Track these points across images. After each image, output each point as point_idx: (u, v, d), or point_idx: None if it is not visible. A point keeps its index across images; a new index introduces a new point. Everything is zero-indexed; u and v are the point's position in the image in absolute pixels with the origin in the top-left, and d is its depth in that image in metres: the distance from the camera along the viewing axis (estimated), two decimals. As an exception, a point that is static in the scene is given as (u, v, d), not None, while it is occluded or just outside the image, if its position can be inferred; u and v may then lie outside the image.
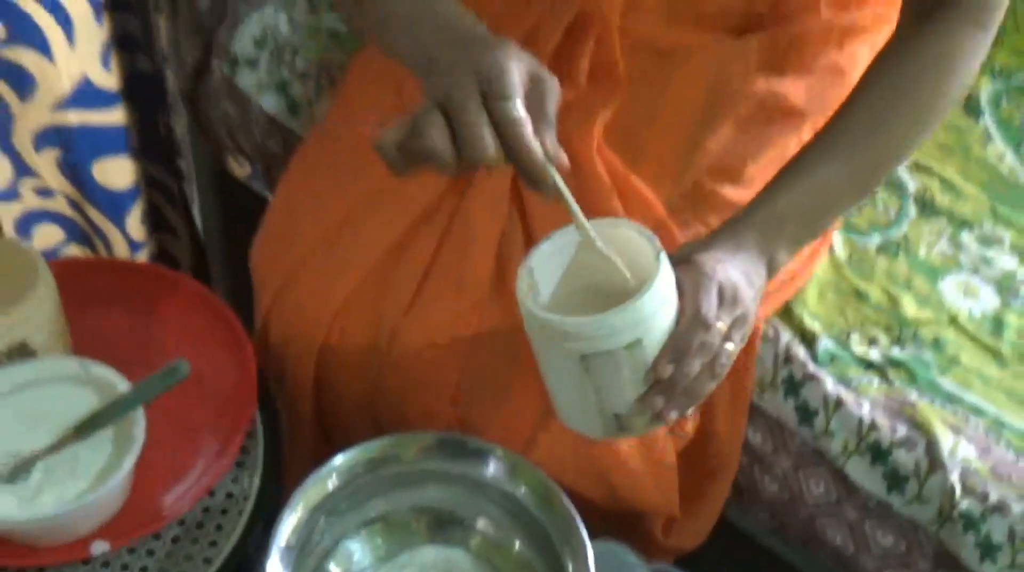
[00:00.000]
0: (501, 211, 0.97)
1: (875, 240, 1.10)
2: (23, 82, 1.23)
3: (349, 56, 1.21)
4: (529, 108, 0.72)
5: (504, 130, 0.70)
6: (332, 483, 0.86)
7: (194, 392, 0.94)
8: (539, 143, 0.70)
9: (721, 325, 0.77)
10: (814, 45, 1.04)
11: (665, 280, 0.74)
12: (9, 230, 1.34)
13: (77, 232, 1.39)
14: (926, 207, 1.14)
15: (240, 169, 1.31)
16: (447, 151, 0.70)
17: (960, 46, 0.90)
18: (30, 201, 1.34)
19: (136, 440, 0.86)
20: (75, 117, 1.24)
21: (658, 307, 0.74)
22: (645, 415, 0.77)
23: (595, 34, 1.01)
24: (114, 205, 1.33)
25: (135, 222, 1.35)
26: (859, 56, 1.07)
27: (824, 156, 0.89)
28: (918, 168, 1.18)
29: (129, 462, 0.85)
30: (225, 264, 1.43)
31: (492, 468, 0.88)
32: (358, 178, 0.99)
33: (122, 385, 0.90)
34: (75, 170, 1.30)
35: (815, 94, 1.03)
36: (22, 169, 1.30)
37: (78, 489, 0.85)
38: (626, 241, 0.77)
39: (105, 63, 1.22)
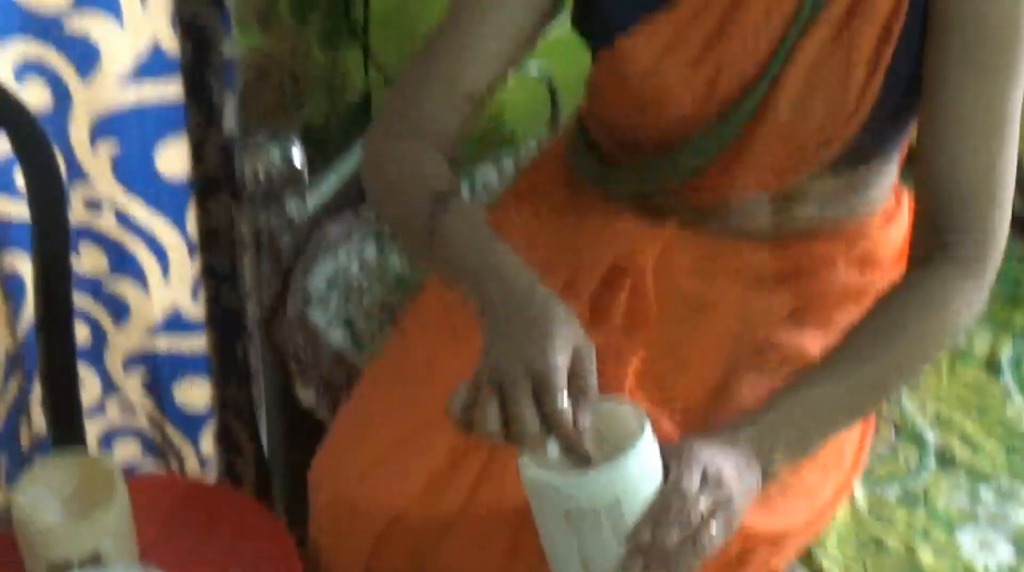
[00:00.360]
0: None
1: (895, 491, 1.11)
2: (119, 309, 1.31)
3: (410, 298, 1.27)
4: (571, 380, 0.79)
5: (550, 417, 0.77)
6: None
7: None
8: (578, 422, 0.78)
9: (703, 501, 0.79)
10: (833, 302, 1.09)
11: (647, 449, 0.79)
12: (92, 442, 1.39)
13: (153, 447, 1.43)
14: (946, 461, 1.15)
15: (305, 396, 1.36)
16: (498, 431, 0.78)
17: (951, 293, 0.95)
18: (114, 417, 1.40)
19: None
20: (163, 343, 1.31)
21: (638, 472, 0.78)
22: None
23: (629, 283, 1.07)
24: (190, 425, 1.37)
25: (208, 441, 1.39)
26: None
27: (821, 376, 0.94)
28: (939, 422, 1.20)
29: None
30: (285, 481, 1.46)
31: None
32: (409, 410, 1.03)
33: None
34: (158, 391, 1.36)
35: (829, 345, 1.04)
36: (109, 387, 1.37)
37: None
38: (619, 415, 0.82)
39: (195, 295, 1.29)
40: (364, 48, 1.57)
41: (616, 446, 0.79)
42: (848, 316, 1.08)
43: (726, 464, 0.83)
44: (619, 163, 1.13)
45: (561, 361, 0.79)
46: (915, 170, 1.01)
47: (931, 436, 1.19)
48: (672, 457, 0.82)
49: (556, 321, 0.83)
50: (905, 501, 1.11)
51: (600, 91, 1.08)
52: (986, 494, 1.13)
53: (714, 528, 0.80)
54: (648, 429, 0.79)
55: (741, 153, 1.01)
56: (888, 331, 0.95)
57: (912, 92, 0.97)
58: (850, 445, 1.07)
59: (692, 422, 1.01)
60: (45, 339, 1.06)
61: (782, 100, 0.97)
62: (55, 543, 0.96)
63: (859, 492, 1.11)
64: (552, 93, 1.67)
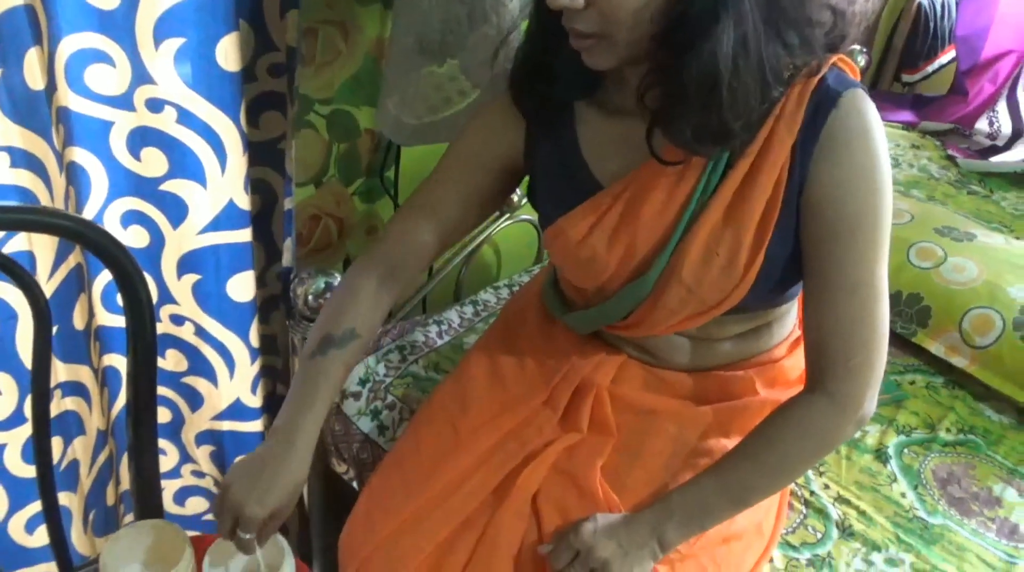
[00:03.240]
0: (523, 523, 0.98)
1: (805, 555, 1.09)
2: (195, 399, 1.30)
3: (424, 395, 1.27)
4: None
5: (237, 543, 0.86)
6: None
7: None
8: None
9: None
10: (753, 415, 1.05)
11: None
12: (168, 498, 1.38)
13: (217, 506, 1.42)
14: (845, 531, 1.13)
15: (340, 469, 1.34)
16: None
17: (819, 421, 0.92)
18: (187, 480, 1.38)
19: None
20: (227, 425, 1.31)
21: None
22: None
23: (592, 396, 1.06)
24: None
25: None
26: None
27: (710, 474, 0.94)
28: (840, 500, 1.18)
29: None
30: (323, 539, 1.43)
31: None
32: (417, 497, 1.01)
33: None
34: (222, 461, 1.35)
35: None
36: (185, 458, 1.36)
37: None
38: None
39: (253, 389, 1.29)
40: (394, 200, 1.57)
41: None
42: None
43: (608, 543, 0.90)
44: (575, 306, 1.12)
45: (257, 508, 0.84)
46: (802, 317, 0.96)
47: (834, 511, 1.17)
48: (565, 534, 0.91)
49: (285, 455, 0.88)
50: (813, 564, 1.09)
51: (551, 252, 1.06)
52: (878, 559, 1.11)
53: None
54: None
55: (656, 305, 0.99)
56: (765, 445, 0.94)
57: (792, 262, 0.93)
58: (768, 521, 1.05)
59: (640, 508, 0.97)
60: (134, 419, 1.04)
61: (684, 267, 0.93)
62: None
63: (777, 556, 1.09)
64: (538, 234, 1.68)
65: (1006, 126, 2.55)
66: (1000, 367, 1.40)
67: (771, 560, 1.07)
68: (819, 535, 1.13)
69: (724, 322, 1.02)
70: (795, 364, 1.11)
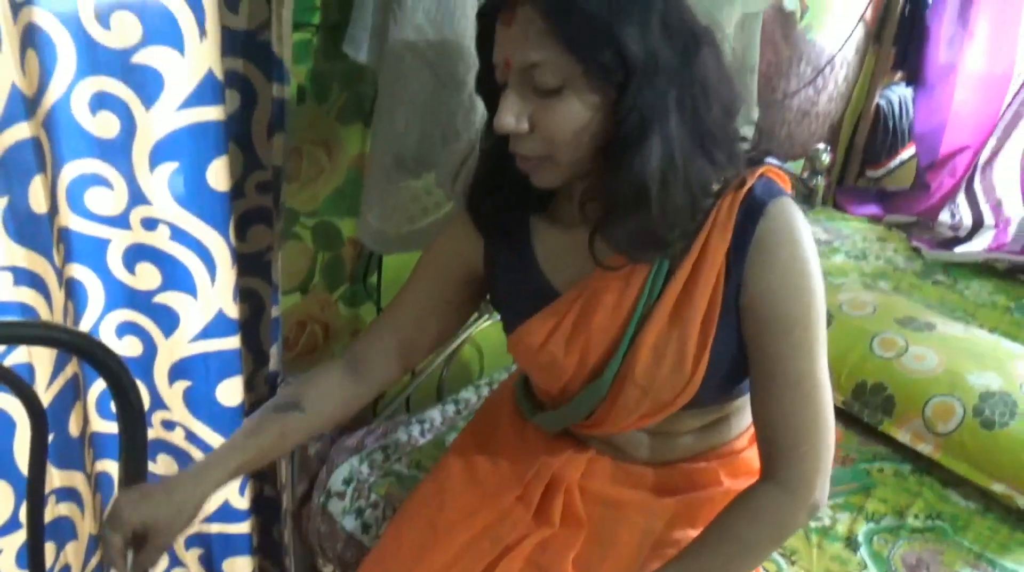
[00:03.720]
0: None
1: (778, 644, 1.12)
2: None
3: (408, 494, 1.30)
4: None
5: (103, 540, 0.90)
6: None
7: None
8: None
9: None
10: (717, 504, 1.05)
11: None
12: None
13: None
14: (817, 619, 1.16)
15: (326, 570, 1.36)
16: None
17: (772, 508, 0.95)
18: (177, 584, 1.41)
19: None
20: (216, 528, 1.33)
21: None
22: None
23: (563, 491, 1.09)
24: (234, 592, 1.38)
25: (246, 605, 1.39)
26: None
27: (672, 565, 0.95)
28: (811, 587, 1.22)
29: None
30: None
31: None
32: None
33: None
34: (210, 563, 1.36)
35: None
36: (174, 561, 1.38)
37: None
38: None
39: (241, 491, 1.31)
40: (377, 304, 1.63)
41: None
42: None
43: None
44: (544, 406, 1.16)
45: (131, 513, 0.89)
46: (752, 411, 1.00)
47: (806, 599, 1.19)
48: None
49: (179, 479, 0.95)
50: (785, 653, 1.11)
51: (515, 357, 1.11)
52: (848, 646, 1.12)
53: None
54: None
55: (614, 405, 1.03)
56: (723, 534, 0.96)
57: (738, 359, 0.97)
58: None
59: None
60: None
61: (635, 369, 0.98)
62: None
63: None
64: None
65: (967, 217, 2.65)
66: (964, 453, 1.45)
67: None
68: (791, 623, 1.15)
69: (682, 417, 1.06)
70: (756, 455, 1.11)
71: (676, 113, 0.87)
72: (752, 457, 1.13)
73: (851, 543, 1.30)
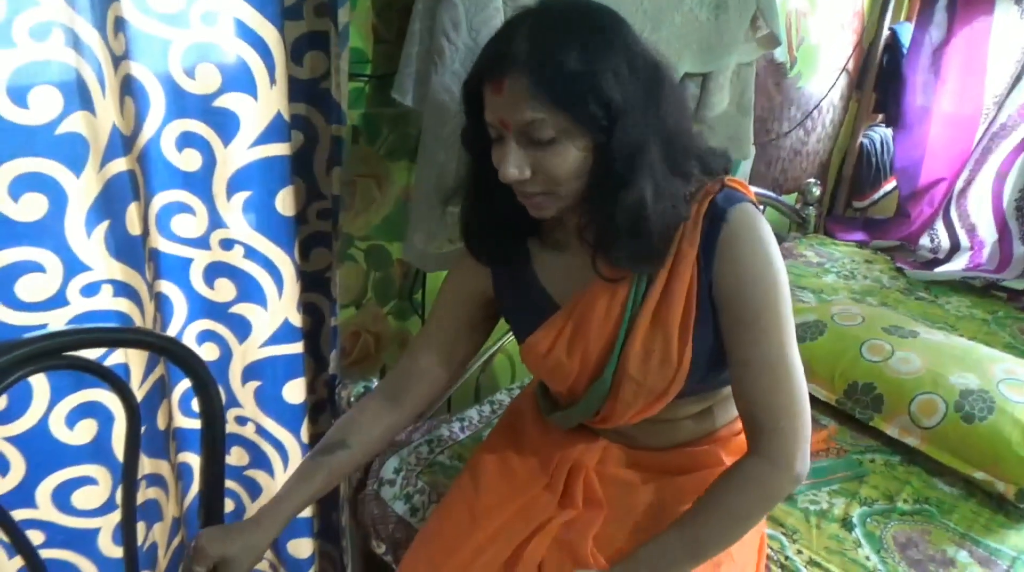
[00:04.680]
0: None
1: (782, 612, 1.11)
2: (255, 489, 1.34)
3: (449, 481, 1.31)
4: None
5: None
6: None
7: None
8: None
9: None
10: None
11: None
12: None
13: (273, 586, 1.44)
14: (817, 590, 1.15)
15: (379, 549, 1.36)
16: None
17: (751, 479, 0.94)
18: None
19: None
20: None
21: None
22: None
23: (583, 476, 1.10)
24: (297, 569, 1.36)
25: (308, 581, 1.40)
26: None
27: (670, 531, 0.95)
28: (812, 563, 1.19)
29: None
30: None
31: None
32: (440, 566, 1.04)
33: None
34: (277, 546, 1.38)
35: None
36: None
37: None
38: None
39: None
40: (421, 317, 1.65)
41: None
42: None
43: None
44: (559, 406, 1.17)
45: (213, 547, 0.93)
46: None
47: (805, 572, 1.18)
48: None
49: (249, 523, 0.97)
50: (789, 620, 1.09)
51: (527, 365, 1.12)
52: (846, 614, 1.11)
53: None
54: None
55: (616, 400, 1.04)
56: (714, 504, 0.95)
57: (717, 349, 0.98)
58: None
59: None
60: (205, 508, 1.09)
61: (629, 364, 0.99)
62: None
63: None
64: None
65: (945, 241, 2.63)
66: (947, 444, 1.43)
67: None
68: (794, 594, 1.14)
69: (680, 405, 1.06)
70: None
71: (655, 142, 0.89)
72: None
73: (847, 524, 1.29)
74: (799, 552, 1.22)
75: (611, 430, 1.14)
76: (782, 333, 0.94)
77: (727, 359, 0.98)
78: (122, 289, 1.09)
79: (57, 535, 1.11)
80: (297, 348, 1.27)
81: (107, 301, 1.07)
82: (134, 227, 1.08)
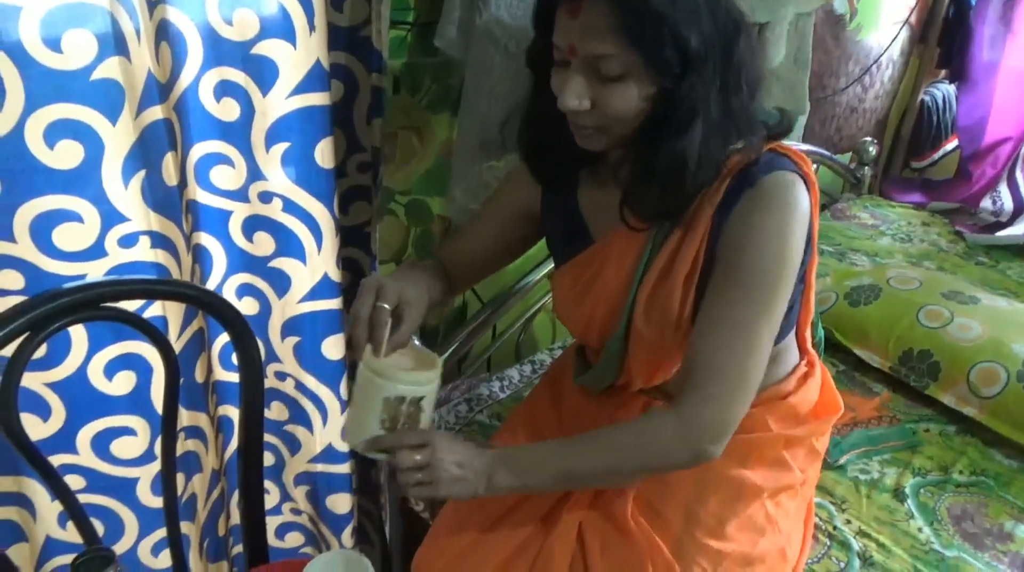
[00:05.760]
0: (570, 549, 0.99)
1: (830, 583, 1.08)
2: (293, 444, 1.34)
3: (487, 439, 1.30)
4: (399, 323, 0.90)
5: (374, 312, 0.90)
6: None
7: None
8: (387, 330, 0.89)
9: (406, 453, 0.85)
10: (768, 448, 1.05)
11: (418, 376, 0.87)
12: (271, 532, 1.40)
13: (312, 538, 1.42)
14: (867, 562, 1.11)
15: (416, 506, 1.35)
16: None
17: (655, 426, 0.90)
18: (287, 516, 1.40)
19: None
20: (320, 467, 1.35)
21: (427, 385, 0.87)
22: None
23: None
24: (336, 524, 1.37)
25: (348, 535, 1.38)
26: (799, 453, 1.06)
27: (554, 444, 0.94)
28: (861, 534, 1.16)
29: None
30: (401, 565, 1.44)
31: None
32: (479, 523, 1.03)
33: None
34: (316, 499, 1.37)
35: (769, 478, 1.03)
36: (285, 497, 1.40)
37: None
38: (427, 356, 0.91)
39: (343, 436, 1.33)
40: (462, 275, 1.62)
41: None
42: (776, 455, 1.05)
43: (449, 451, 0.86)
44: (588, 367, 1.14)
45: (393, 285, 0.91)
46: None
47: (855, 544, 1.15)
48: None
49: (405, 275, 0.97)
50: (836, 591, 1.06)
51: (555, 301, 1.11)
52: (896, 587, 1.07)
53: (413, 478, 0.85)
54: (432, 371, 0.87)
55: (633, 359, 1.02)
56: (606, 442, 0.92)
57: None
58: (792, 548, 1.04)
59: (669, 533, 0.98)
60: (244, 461, 1.09)
61: (638, 320, 0.97)
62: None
63: (805, 583, 1.06)
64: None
65: (1008, 204, 2.51)
66: (1007, 415, 1.37)
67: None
68: (842, 565, 1.11)
69: None
70: (802, 399, 1.09)
71: (717, 100, 0.85)
72: (798, 402, 1.08)
73: (898, 495, 1.25)
74: (848, 522, 1.19)
75: (649, 389, 1.10)
76: (763, 309, 0.89)
77: (697, 314, 0.93)
78: (160, 240, 1.07)
79: (97, 482, 1.12)
80: (336, 304, 1.25)
81: (145, 252, 1.06)
82: (171, 177, 1.06)
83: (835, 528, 1.17)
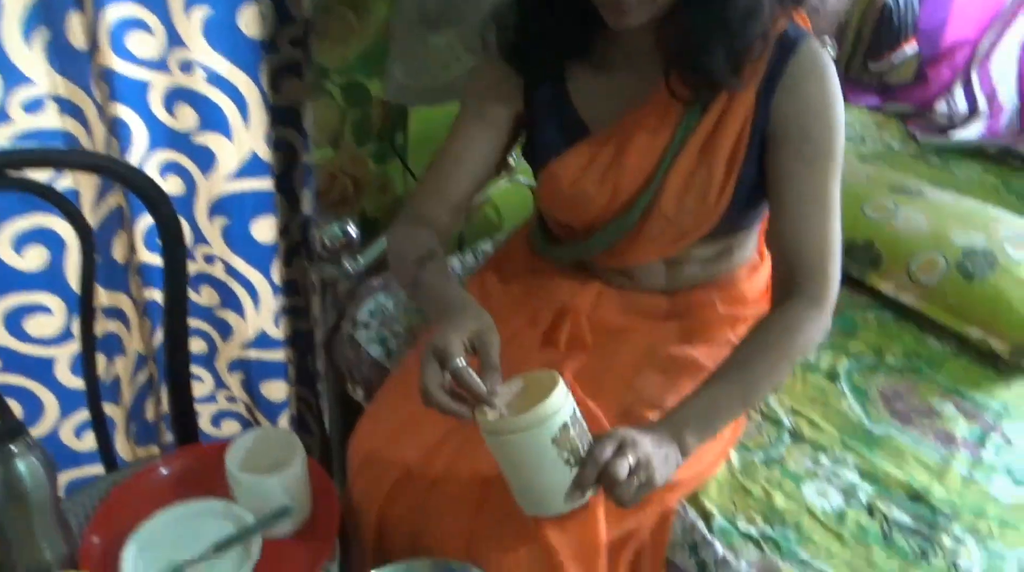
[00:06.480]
0: None
1: (760, 456, 1.08)
2: (225, 330, 1.32)
3: (426, 325, 1.29)
4: (478, 353, 0.79)
5: (453, 376, 0.77)
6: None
7: (304, 529, 0.96)
8: (479, 381, 0.76)
9: (620, 463, 0.74)
10: (714, 327, 1.08)
11: (560, 393, 0.74)
12: (206, 421, 1.40)
13: (248, 426, 1.43)
14: (797, 437, 1.12)
15: (354, 393, 1.35)
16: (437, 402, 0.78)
17: (802, 323, 0.92)
18: (222, 404, 1.40)
19: (253, 557, 0.87)
20: (254, 354, 1.33)
21: (557, 406, 0.74)
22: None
23: (571, 321, 1.07)
24: (272, 412, 1.37)
25: (284, 422, 1.38)
26: (741, 330, 1.09)
27: (714, 383, 0.90)
28: (793, 412, 1.17)
29: (247, 570, 0.86)
30: (340, 451, 1.45)
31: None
32: (414, 405, 0.95)
33: (249, 519, 0.90)
34: (251, 387, 1.37)
35: (714, 357, 1.04)
36: (219, 383, 1.38)
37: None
38: (540, 379, 0.78)
39: (276, 322, 1.31)
40: (403, 162, 1.58)
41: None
42: (724, 335, 1.08)
43: (641, 438, 0.78)
44: (561, 241, 1.13)
45: (453, 336, 0.78)
46: (769, 238, 1.00)
47: (787, 421, 1.16)
48: (604, 432, 0.78)
49: (454, 314, 0.82)
50: (766, 463, 1.08)
51: (543, 194, 1.07)
52: (825, 460, 1.10)
53: (636, 482, 0.76)
54: (561, 381, 0.75)
55: (639, 235, 1.01)
56: (759, 350, 0.92)
57: (758, 188, 0.97)
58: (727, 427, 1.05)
59: (612, 404, 0.98)
60: (169, 346, 1.07)
61: (665, 200, 0.97)
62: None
63: (734, 457, 1.08)
64: (532, 193, 1.69)
65: (962, 106, 2.52)
66: (943, 302, 1.39)
67: (728, 460, 1.07)
68: (772, 440, 1.12)
69: (696, 246, 1.04)
70: (753, 286, 1.12)
71: None
72: (749, 289, 1.12)
73: (832, 376, 1.26)
74: (781, 402, 1.20)
75: (615, 270, 1.10)
76: (836, 176, 0.94)
77: (774, 198, 0.95)
78: (68, 107, 1.02)
79: (12, 361, 1.09)
80: (266, 184, 1.22)
81: (53, 119, 1.01)
82: (77, 40, 1.00)
83: (768, 407, 1.19)
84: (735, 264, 1.12)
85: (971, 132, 2.40)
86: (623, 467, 0.75)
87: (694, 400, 0.89)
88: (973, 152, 2.27)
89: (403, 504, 0.98)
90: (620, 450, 0.76)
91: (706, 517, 1.00)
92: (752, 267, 1.16)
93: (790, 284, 0.94)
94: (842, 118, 0.92)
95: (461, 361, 0.77)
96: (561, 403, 0.74)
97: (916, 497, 1.05)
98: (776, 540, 0.97)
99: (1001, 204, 1.89)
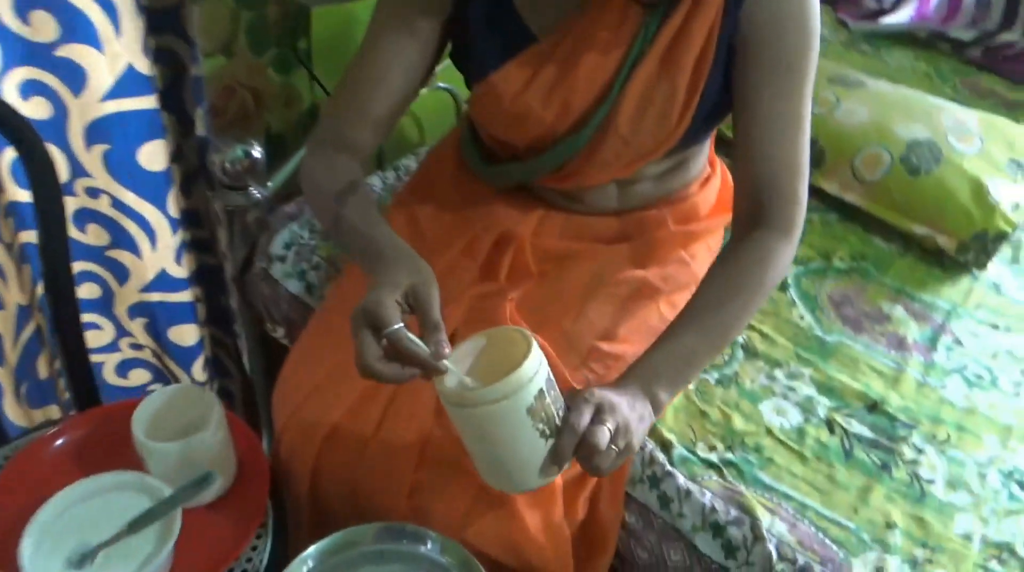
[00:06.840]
0: None
1: (714, 376, 1.05)
2: (121, 272, 1.18)
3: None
4: (415, 311, 0.69)
5: (391, 344, 0.67)
6: (308, 565, 0.78)
7: (230, 493, 0.89)
8: (422, 344, 0.67)
9: (596, 430, 0.67)
10: (666, 247, 1.02)
11: (535, 358, 0.65)
12: (111, 372, 1.28)
13: (159, 374, 1.32)
14: (750, 352, 1.09)
15: (274, 332, 1.25)
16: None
17: (771, 252, 0.86)
18: (127, 353, 1.28)
19: (174, 533, 0.79)
20: (156, 297, 1.20)
21: (532, 373, 0.64)
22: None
23: (512, 249, 0.99)
24: (184, 357, 1.26)
25: (198, 368, 1.28)
26: (698, 252, 1.04)
27: (682, 327, 0.83)
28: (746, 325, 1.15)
29: (167, 549, 0.78)
30: (265, 397, 1.36)
31: (428, 547, 0.79)
32: (338, 353, 0.92)
33: (167, 491, 0.82)
34: (157, 332, 1.25)
35: (667, 278, 0.99)
36: (121, 331, 1.26)
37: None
38: (508, 336, 0.69)
39: (178, 260, 1.18)
40: (309, 71, 1.43)
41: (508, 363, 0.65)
42: (676, 254, 1.03)
43: (618, 399, 0.71)
44: (499, 161, 1.03)
45: (386, 297, 0.68)
46: (734, 158, 0.91)
47: (739, 336, 1.12)
48: (573, 399, 0.70)
49: (386, 267, 0.73)
50: (721, 383, 1.05)
51: (479, 110, 0.96)
52: (780, 374, 1.08)
53: (615, 448, 0.69)
54: (535, 342, 0.66)
55: (591, 156, 0.92)
56: (730, 290, 0.85)
57: (720, 105, 0.90)
58: None
59: (560, 336, 0.92)
60: (52, 294, 0.94)
61: (621, 117, 0.88)
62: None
63: (687, 378, 1.04)
64: (455, 99, 1.56)
65: (891, -10, 2.47)
66: (889, 199, 1.36)
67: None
68: (726, 357, 1.09)
69: (647, 164, 0.96)
70: (705, 199, 1.07)
71: None
72: (702, 202, 1.06)
73: (781, 285, 1.23)
74: (732, 315, 1.16)
75: (561, 192, 1.01)
76: (809, 89, 0.86)
77: (742, 116, 0.86)
78: None
79: None
80: (150, 101, 1.06)
81: None
82: None
83: (719, 322, 1.15)
84: (690, 177, 1.06)
85: (901, 17, 2.35)
86: (603, 436, 0.67)
87: (664, 348, 0.82)
88: (903, 38, 2.23)
89: (337, 457, 0.91)
90: (598, 416, 0.69)
91: (665, 447, 0.96)
92: (704, 181, 1.09)
93: (758, 212, 0.87)
94: (818, 25, 0.84)
95: (397, 325, 0.67)
96: (536, 368, 0.65)
97: (873, 407, 1.04)
98: (738, 465, 0.94)
99: (934, 92, 1.86)
